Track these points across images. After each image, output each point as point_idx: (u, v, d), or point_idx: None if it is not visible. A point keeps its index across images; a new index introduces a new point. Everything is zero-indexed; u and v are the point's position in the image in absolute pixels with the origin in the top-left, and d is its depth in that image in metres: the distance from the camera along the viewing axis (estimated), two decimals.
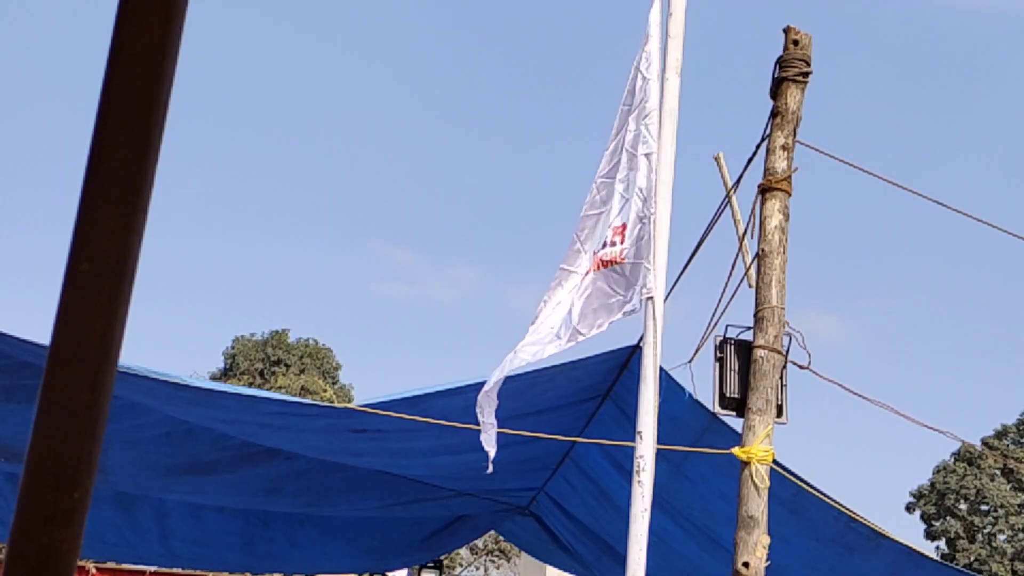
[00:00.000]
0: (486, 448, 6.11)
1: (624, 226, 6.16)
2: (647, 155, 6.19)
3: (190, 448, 8.33)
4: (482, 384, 7.46)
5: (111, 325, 1.14)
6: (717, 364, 6.84)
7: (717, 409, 6.81)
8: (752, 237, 7.06)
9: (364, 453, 8.63)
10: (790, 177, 7.00)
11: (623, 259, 6.07)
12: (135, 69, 1.15)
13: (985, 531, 54.98)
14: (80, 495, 1.13)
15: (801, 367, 6.92)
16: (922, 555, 7.86)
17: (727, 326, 7.00)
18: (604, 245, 6.17)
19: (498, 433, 7.57)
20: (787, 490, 7.03)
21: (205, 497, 9.71)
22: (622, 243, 6.12)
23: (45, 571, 1.11)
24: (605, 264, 6.10)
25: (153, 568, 16.02)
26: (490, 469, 6.16)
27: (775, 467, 6.59)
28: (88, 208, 1.14)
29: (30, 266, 72.39)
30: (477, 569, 49.57)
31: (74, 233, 1.14)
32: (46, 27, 79.43)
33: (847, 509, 7.25)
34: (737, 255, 7.19)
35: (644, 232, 6.04)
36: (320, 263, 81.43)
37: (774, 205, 6.97)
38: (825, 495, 7.17)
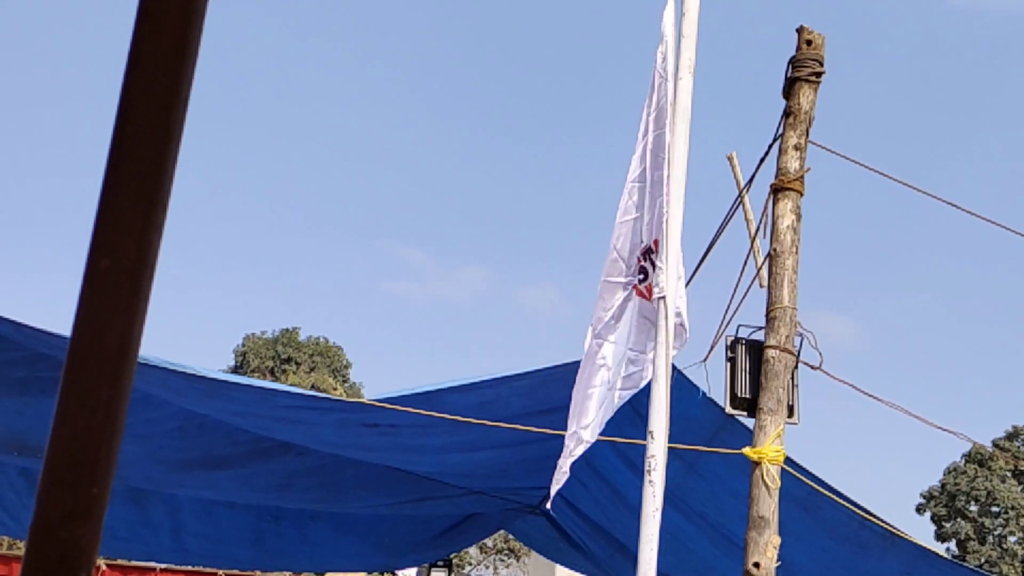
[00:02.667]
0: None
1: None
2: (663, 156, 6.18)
3: (203, 443, 8.34)
4: (494, 380, 7.47)
5: (130, 322, 1.14)
6: (728, 364, 6.83)
7: (729, 409, 6.81)
8: (764, 237, 7.06)
9: (376, 448, 8.63)
10: (802, 177, 6.99)
11: None
12: (155, 67, 1.16)
13: (996, 533, 54.85)
14: (99, 491, 1.13)
15: (813, 367, 6.91)
16: (936, 555, 7.85)
17: (739, 326, 7.00)
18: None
19: (509, 430, 7.58)
20: (802, 489, 7.02)
21: (217, 492, 9.72)
22: None
23: (64, 566, 1.12)
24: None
25: (163, 565, 16.02)
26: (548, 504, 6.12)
27: (787, 467, 6.58)
28: (108, 205, 1.14)
29: (50, 262, 72.71)
30: (487, 568, 49.57)
31: (94, 230, 1.15)
32: (67, 24, 79.67)
33: (860, 509, 7.24)
34: (749, 255, 7.19)
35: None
36: (331, 262, 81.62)
37: (786, 205, 6.96)
38: (838, 494, 7.16)
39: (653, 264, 6.09)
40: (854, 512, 7.25)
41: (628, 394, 6.04)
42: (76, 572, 1.12)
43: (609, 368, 6.08)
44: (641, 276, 6.14)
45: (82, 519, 1.12)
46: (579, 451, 6.03)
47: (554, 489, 6.10)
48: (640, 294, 6.11)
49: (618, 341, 6.11)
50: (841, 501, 7.17)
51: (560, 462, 5.99)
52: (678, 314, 5.93)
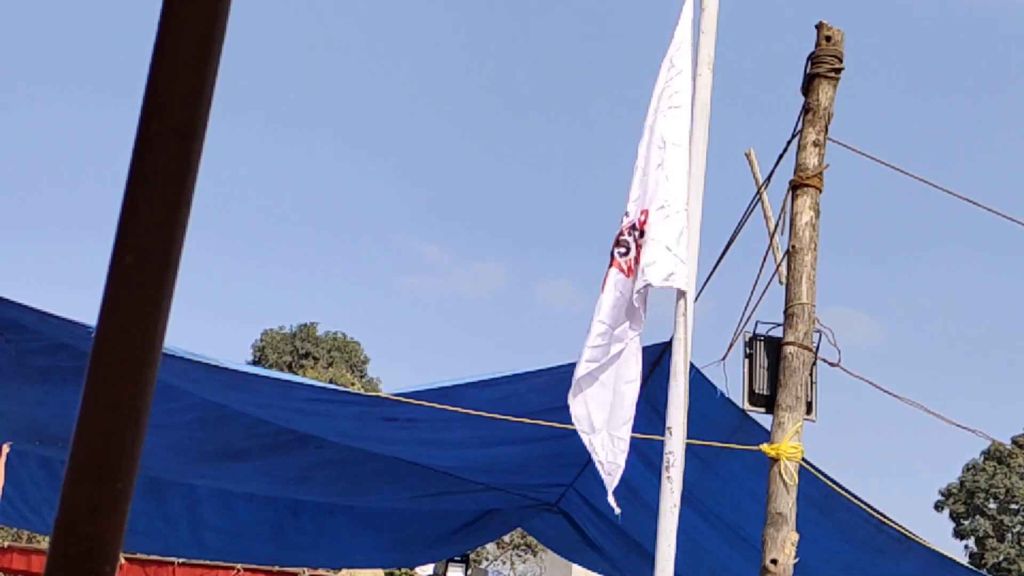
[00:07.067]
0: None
1: (647, 212, 6.07)
2: (664, 144, 6.13)
3: (223, 434, 8.38)
4: (513, 376, 7.46)
5: (155, 318, 1.15)
6: (747, 361, 6.83)
7: (746, 406, 6.80)
8: (783, 233, 7.05)
9: (395, 442, 8.65)
10: (821, 173, 6.98)
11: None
12: (180, 62, 1.16)
13: (1015, 530, 54.64)
14: (123, 485, 1.14)
15: (831, 364, 6.91)
16: (954, 561, 7.82)
17: (757, 323, 7.00)
18: (641, 233, 6.05)
19: (527, 425, 7.58)
20: (818, 491, 7.00)
21: (236, 484, 9.75)
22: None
23: (89, 560, 1.12)
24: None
25: (181, 560, 16.06)
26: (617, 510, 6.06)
27: (805, 466, 6.57)
28: (133, 201, 1.15)
29: (76, 258, 73.10)
30: (503, 563, 49.62)
31: (119, 226, 1.15)
32: (92, 18, 79.96)
33: (877, 512, 7.22)
34: (767, 251, 7.17)
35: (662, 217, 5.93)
36: (349, 257, 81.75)
37: (805, 201, 6.95)
38: (855, 496, 7.14)
39: (636, 240, 6.03)
40: (871, 515, 7.23)
41: (591, 366, 5.97)
42: (101, 566, 1.12)
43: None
44: (622, 250, 6.08)
45: (107, 513, 1.13)
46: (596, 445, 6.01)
47: (612, 498, 6.03)
48: (618, 267, 6.05)
49: (595, 312, 6.04)
50: (857, 502, 7.16)
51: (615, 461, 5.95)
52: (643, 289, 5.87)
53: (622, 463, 5.90)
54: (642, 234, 6.01)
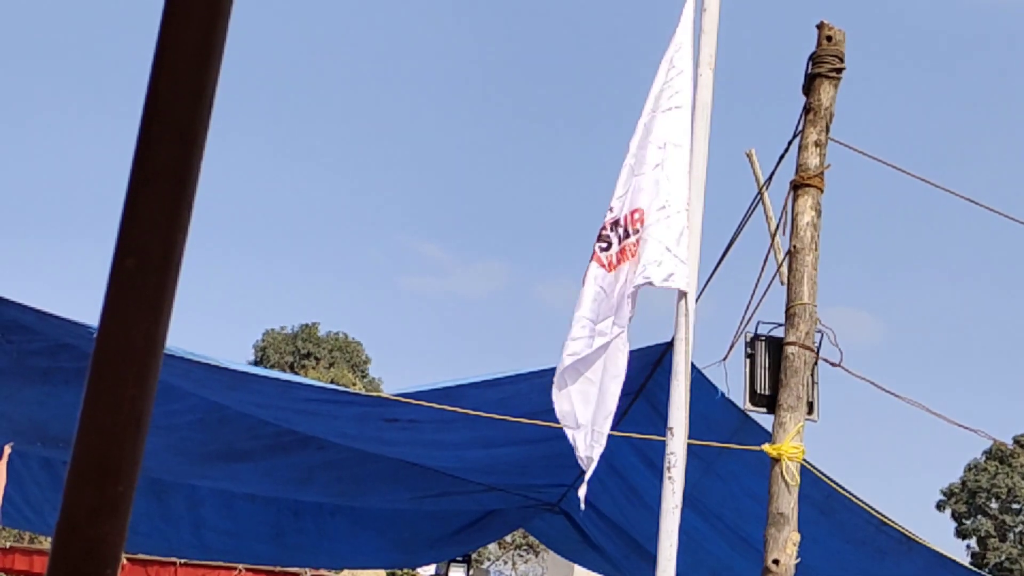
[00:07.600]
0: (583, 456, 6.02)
1: (640, 211, 6.05)
2: (664, 145, 6.11)
3: (224, 435, 8.37)
4: (514, 376, 7.45)
5: (156, 320, 1.15)
6: (748, 361, 6.82)
7: (748, 406, 6.80)
8: (784, 233, 7.05)
9: (396, 443, 8.65)
10: (822, 173, 6.98)
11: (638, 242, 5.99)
12: (181, 65, 1.16)
13: (1016, 530, 54.60)
14: (125, 488, 1.14)
15: (833, 364, 6.90)
16: (955, 561, 7.82)
17: (758, 323, 7.00)
18: (626, 231, 6.04)
19: (529, 426, 7.57)
20: (818, 491, 7.00)
21: (237, 485, 9.75)
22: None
23: (90, 562, 1.13)
24: (630, 254, 5.99)
25: (183, 560, 16.08)
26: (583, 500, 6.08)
27: (807, 465, 6.57)
28: (134, 204, 1.15)
29: (76, 259, 73.11)
30: (505, 564, 49.61)
31: (120, 228, 1.15)
32: (94, 20, 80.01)
33: (878, 512, 7.22)
34: (769, 251, 7.17)
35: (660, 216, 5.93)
36: (350, 257, 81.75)
37: (806, 201, 6.95)
38: (856, 497, 7.14)
39: (620, 237, 6.02)
40: (871, 515, 7.23)
41: (573, 359, 5.97)
42: (102, 569, 1.13)
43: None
44: (603, 245, 6.07)
45: (108, 516, 1.13)
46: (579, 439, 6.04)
47: (583, 489, 6.06)
48: (599, 262, 6.05)
49: (576, 305, 6.06)
50: (859, 502, 7.16)
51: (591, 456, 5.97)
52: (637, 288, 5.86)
53: (596, 457, 5.92)
54: (627, 232, 6.01)
